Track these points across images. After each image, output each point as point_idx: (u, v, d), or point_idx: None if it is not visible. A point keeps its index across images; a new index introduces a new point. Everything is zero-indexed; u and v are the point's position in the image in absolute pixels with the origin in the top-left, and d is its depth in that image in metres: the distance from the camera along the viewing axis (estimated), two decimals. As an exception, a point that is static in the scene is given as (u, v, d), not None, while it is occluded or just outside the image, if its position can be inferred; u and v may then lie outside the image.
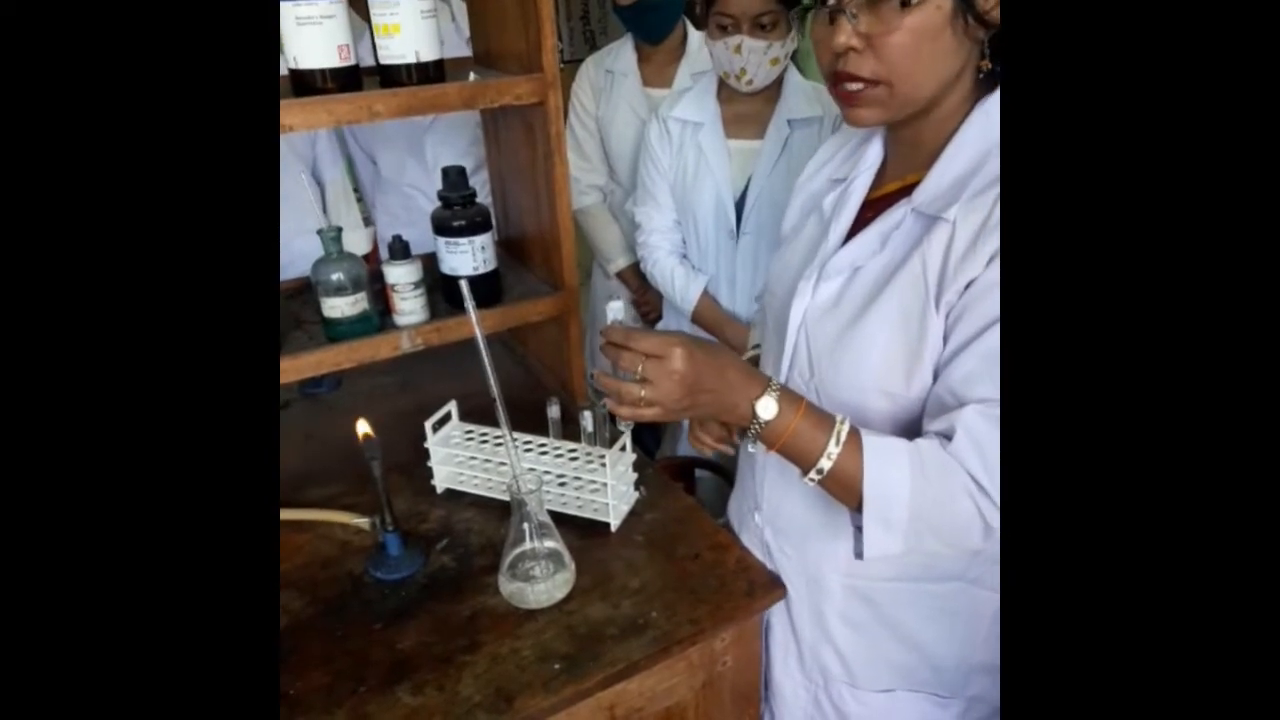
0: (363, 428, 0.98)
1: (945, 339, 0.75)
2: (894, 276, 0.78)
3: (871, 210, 0.86)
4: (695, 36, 1.83)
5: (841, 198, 0.89)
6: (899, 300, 0.77)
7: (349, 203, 1.85)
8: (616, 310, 0.83)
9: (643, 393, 0.72)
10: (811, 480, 0.74)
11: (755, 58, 1.42)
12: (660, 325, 1.91)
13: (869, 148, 0.90)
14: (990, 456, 0.69)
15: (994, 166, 0.74)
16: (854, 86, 0.75)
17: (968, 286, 0.72)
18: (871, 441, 0.73)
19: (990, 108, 0.76)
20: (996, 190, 0.72)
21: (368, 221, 1.91)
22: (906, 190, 0.82)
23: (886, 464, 0.72)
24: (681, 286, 1.65)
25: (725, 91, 1.55)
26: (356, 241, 1.84)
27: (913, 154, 0.82)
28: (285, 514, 1.09)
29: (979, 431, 0.70)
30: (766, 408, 0.73)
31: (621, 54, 1.88)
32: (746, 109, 1.55)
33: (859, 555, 0.76)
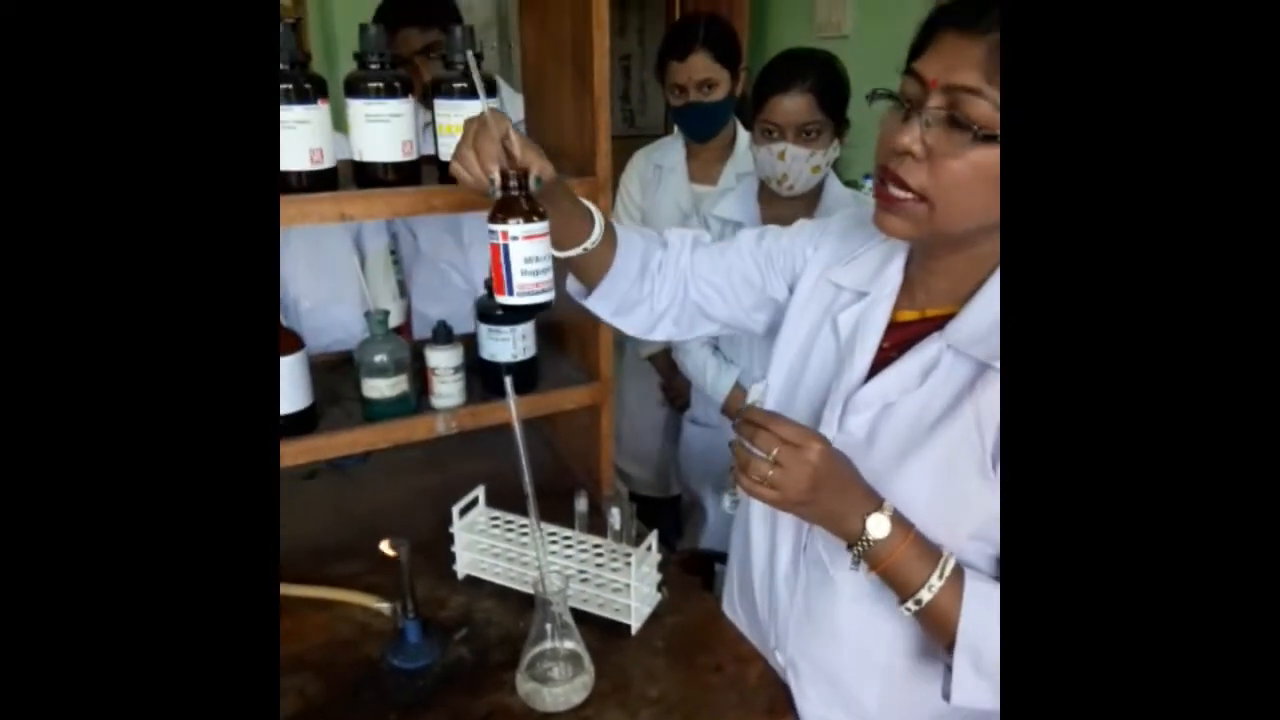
0: (386, 548, 0.99)
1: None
2: (940, 424, 0.74)
3: (888, 339, 0.81)
4: (744, 136, 1.88)
5: (863, 319, 0.83)
6: (947, 453, 0.73)
7: (387, 275, 1.88)
8: (759, 391, 0.92)
9: (770, 473, 0.71)
10: (908, 610, 0.73)
11: (798, 164, 1.46)
12: (686, 415, 1.92)
13: (890, 266, 0.84)
14: None
15: None
16: (899, 193, 0.71)
17: None
18: (974, 586, 0.71)
19: None
20: None
21: (402, 293, 1.94)
22: (930, 323, 0.78)
23: (986, 610, 0.70)
24: (713, 378, 1.66)
25: (766, 193, 1.59)
26: (391, 314, 1.86)
27: (941, 285, 0.79)
28: (306, 591, 1.08)
29: None
30: (879, 525, 0.72)
31: (671, 150, 1.92)
32: (786, 211, 1.58)
33: (946, 697, 0.73)
